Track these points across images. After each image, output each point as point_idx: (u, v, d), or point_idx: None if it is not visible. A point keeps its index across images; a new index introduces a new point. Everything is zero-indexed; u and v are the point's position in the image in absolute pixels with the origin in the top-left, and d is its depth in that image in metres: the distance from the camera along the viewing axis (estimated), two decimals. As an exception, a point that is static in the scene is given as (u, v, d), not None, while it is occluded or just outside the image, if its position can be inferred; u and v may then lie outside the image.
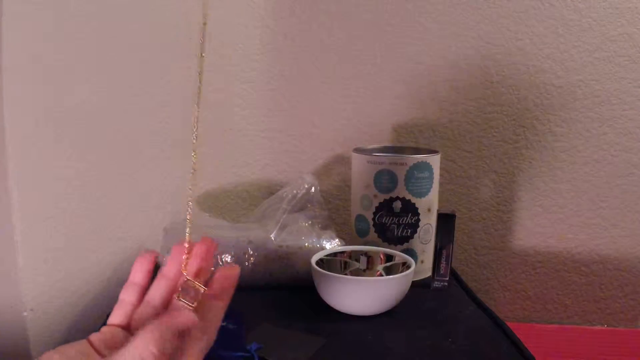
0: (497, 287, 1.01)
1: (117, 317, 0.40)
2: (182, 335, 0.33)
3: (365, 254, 0.75)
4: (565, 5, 0.92)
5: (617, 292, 1.01)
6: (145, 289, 0.41)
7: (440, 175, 0.84)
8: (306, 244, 0.76)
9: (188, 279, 0.38)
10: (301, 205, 0.82)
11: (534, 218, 0.99)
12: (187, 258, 0.39)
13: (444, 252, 0.75)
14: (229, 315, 0.64)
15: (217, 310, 0.38)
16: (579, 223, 0.99)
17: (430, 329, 0.64)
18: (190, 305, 0.36)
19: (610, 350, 0.96)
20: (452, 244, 0.75)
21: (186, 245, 0.39)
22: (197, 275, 0.39)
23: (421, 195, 0.77)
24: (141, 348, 0.31)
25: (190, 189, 0.40)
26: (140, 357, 0.31)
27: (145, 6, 0.90)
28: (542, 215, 0.98)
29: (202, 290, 0.37)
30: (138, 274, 0.41)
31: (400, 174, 0.76)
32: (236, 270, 0.40)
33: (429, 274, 0.80)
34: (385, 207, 0.77)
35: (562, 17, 0.92)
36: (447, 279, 0.76)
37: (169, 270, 0.41)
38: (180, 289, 0.38)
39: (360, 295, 0.65)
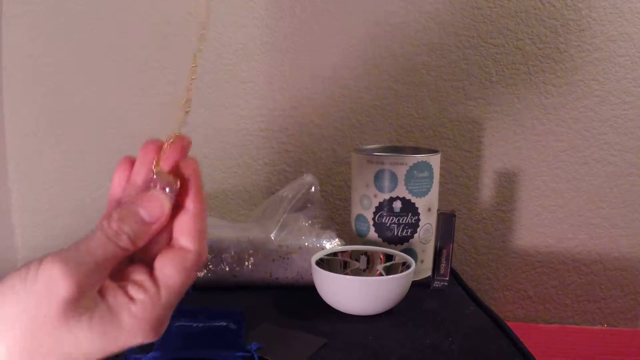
0: (497, 287, 1.01)
1: None
2: (150, 223, 0.32)
3: (365, 254, 0.75)
4: (565, 5, 0.92)
5: (617, 292, 1.01)
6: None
7: (440, 175, 0.84)
8: (306, 244, 0.76)
9: (161, 172, 0.34)
10: (301, 205, 0.82)
11: (534, 218, 0.99)
12: (157, 157, 0.35)
13: (444, 252, 0.75)
14: (229, 315, 0.65)
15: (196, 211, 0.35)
16: (579, 223, 0.99)
17: (430, 329, 0.64)
18: (166, 197, 0.33)
19: (610, 350, 0.96)
20: (452, 244, 0.75)
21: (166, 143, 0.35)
22: (170, 172, 0.35)
23: (421, 195, 0.77)
24: (103, 226, 0.31)
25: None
26: (100, 238, 0.31)
27: (146, 6, 0.90)
28: (542, 215, 0.98)
29: (176, 185, 0.34)
30: (116, 189, 0.36)
31: (400, 174, 0.76)
32: (194, 164, 0.36)
33: (429, 274, 0.80)
34: (385, 207, 0.77)
35: (562, 17, 0.92)
36: (447, 279, 0.76)
37: (137, 173, 0.35)
38: (151, 184, 0.34)
39: (360, 295, 0.65)
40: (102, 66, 0.92)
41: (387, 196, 0.77)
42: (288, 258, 0.75)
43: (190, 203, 0.34)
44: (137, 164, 0.35)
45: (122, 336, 0.31)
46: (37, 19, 0.89)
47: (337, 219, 0.97)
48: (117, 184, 0.36)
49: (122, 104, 0.92)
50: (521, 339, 0.61)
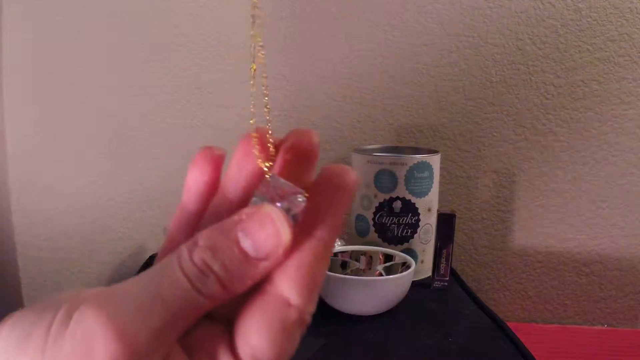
0: (497, 287, 1.01)
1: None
2: (257, 260, 0.20)
3: (365, 254, 0.75)
4: (565, 5, 0.92)
5: (617, 292, 1.01)
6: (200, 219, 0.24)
7: (440, 175, 0.84)
8: (306, 244, 0.75)
9: (277, 178, 0.22)
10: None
11: (534, 218, 0.99)
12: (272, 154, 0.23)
13: (444, 252, 0.75)
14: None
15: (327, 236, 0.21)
16: (579, 223, 0.99)
17: (430, 329, 0.64)
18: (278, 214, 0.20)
19: (610, 350, 0.96)
20: (452, 244, 0.75)
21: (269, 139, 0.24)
22: (289, 176, 0.23)
23: (421, 195, 0.77)
24: (180, 257, 0.20)
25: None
26: (174, 276, 0.19)
27: (146, 6, 0.90)
28: (542, 215, 0.98)
29: (301, 199, 0.21)
30: (189, 198, 0.24)
31: (400, 174, 0.76)
32: (351, 176, 0.22)
33: (429, 274, 0.80)
34: (385, 207, 0.77)
35: (562, 17, 0.92)
36: (447, 279, 0.76)
37: (234, 180, 0.24)
38: (258, 195, 0.22)
39: (360, 295, 0.65)
40: (102, 66, 0.92)
41: (387, 196, 0.77)
42: (288, 258, 0.75)
43: (321, 231, 0.21)
44: (233, 167, 0.24)
45: None
46: (37, 19, 0.89)
47: (337, 219, 0.97)
48: (192, 190, 0.24)
49: (122, 103, 0.92)
50: (521, 339, 0.61)
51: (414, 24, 0.93)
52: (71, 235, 0.93)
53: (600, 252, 1.00)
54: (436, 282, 0.76)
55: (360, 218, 0.80)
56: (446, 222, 0.75)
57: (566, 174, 0.97)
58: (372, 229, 0.79)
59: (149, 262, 0.88)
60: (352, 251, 0.75)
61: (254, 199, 0.21)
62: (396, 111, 0.96)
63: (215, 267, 0.19)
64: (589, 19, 0.92)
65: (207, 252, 0.19)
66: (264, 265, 0.20)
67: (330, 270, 0.68)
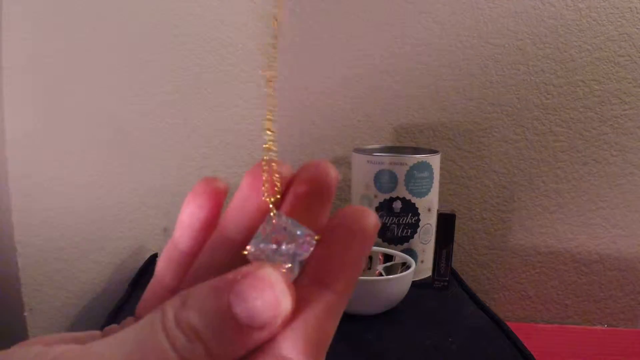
0: (497, 287, 1.01)
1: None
2: (250, 328, 0.17)
3: (365, 254, 0.75)
4: (565, 5, 0.92)
5: (617, 292, 1.01)
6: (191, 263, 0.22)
7: (440, 175, 0.84)
8: (306, 244, 0.75)
9: (282, 217, 0.19)
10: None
11: (534, 218, 0.99)
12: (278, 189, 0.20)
13: (444, 252, 0.75)
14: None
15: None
16: (579, 223, 0.99)
17: (430, 329, 0.64)
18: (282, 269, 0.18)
19: (610, 350, 0.96)
20: (452, 244, 0.75)
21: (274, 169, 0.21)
22: (299, 214, 0.20)
23: (421, 195, 0.77)
24: (164, 320, 0.17)
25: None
26: (154, 342, 0.17)
27: (147, 6, 0.90)
28: (542, 215, 0.98)
29: (311, 242, 0.19)
30: (182, 241, 0.22)
31: (400, 174, 0.76)
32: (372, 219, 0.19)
33: (429, 274, 0.80)
34: (385, 207, 0.77)
35: (562, 17, 0.92)
36: (447, 279, 0.76)
37: (233, 223, 0.21)
38: (257, 246, 0.19)
39: (360, 295, 0.65)
40: (102, 66, 0.92)
41: (387, 196, 0.77)
42: (288, 258, 0.75)
43: (335, 283, 0.19)
44: (236, 201, 0.21)
45: None
46: (37, 19, 0.89)
47: (337, 219, 0.97)
48: (186, 226, 0.21)
49: (122, 103, 0.92)
50: (521, 339, 0.61)
51: (414, 24, 0.93)
52: (71, 235, 0.93)
53: (600, 252, 1.00)
54: (436, 282, 0.76)
55: (360, 218, 0.80)
56: (446, 222, 0.75)
57: (566, 174, 0.97)
58: (372, 229, 0.79)
59: (149, 262, 0.88)
60: (352, 251, 0.75)
61: (253, 240, 0.19)
62: (396, 111, 0.96)
63: (203, 333, 0.17)
64: (589, 19, 0.92)
65: (195, 315, 0.17)
66: (258, 336, 0.17)
67: (330, 270, 0.68)
